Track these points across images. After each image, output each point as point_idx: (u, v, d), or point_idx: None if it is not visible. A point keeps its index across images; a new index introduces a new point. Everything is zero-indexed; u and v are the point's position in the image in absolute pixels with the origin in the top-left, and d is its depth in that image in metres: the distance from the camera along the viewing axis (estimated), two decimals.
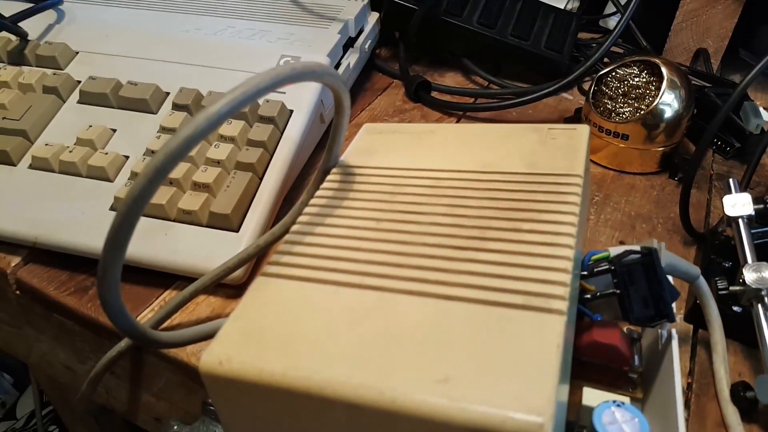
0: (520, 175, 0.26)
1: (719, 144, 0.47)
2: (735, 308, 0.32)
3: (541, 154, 0.27)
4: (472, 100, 0.53)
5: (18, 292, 0.36)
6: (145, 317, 0.32)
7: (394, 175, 0.28)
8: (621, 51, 0.58)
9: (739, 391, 0.29)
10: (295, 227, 0.25)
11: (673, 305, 0.28)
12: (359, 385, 0.18)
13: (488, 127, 0.30)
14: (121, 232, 0.19)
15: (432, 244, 0.23)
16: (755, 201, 0.33)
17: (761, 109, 0.47)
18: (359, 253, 0.23)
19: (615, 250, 0.28)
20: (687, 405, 0.30)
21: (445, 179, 0.27)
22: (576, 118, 0.48)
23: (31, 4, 0.49)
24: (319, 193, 0.27)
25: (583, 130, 0.28)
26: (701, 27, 0.55)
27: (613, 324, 0.27)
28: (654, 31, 0.58)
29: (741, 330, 0.32)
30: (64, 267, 0.36)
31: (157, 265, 0.34)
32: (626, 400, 0.24)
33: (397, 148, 0.30)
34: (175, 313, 0.32)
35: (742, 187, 0.39)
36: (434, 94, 0.54)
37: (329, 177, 0.29)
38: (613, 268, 0.26)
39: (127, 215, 0.19)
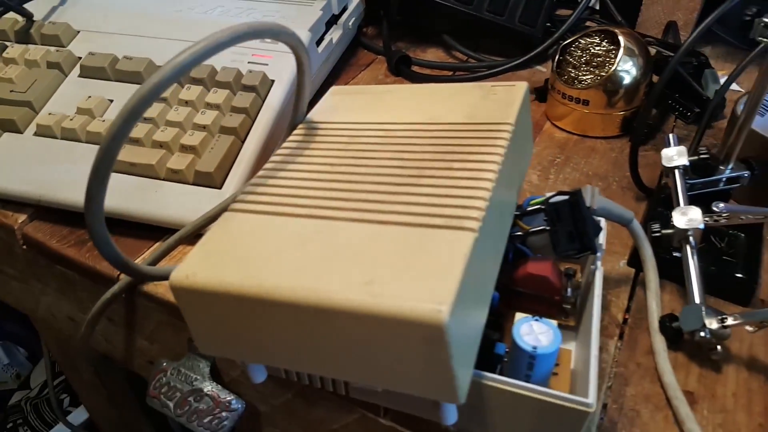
0: (459, 124, 0.29)
1: (681, 110, 0.50)
2: (675, 254, 0.35)
3: (481, 107, 0.30)
4: (450, 73, 0.56)
5: (24, 246, 0.40)
6: None
7: (352, 129, 0.31)
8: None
9: (665, 322, 0.32)
10: (260, 172, 0.29)
11: (601, 241, 0.31)
12: (299, 288, 0.21)
13: (439, 86, 0.33)
14: (102, 165, 0.23)
15: (375, 182, 0.26)
16: (692, 153, 0.36)
17: (720, 76, 0.49)
18: (312, 191, 0.27)
19: (550, 195, 0.31)
20: (621, 336, 0.34)
21: (395, 130, 0.30)
22: (545, 87, 0.51)
23: None
24: (284, 144, 0.31)
25: (521, 86, 0.31)
26: (671, 1, 0.57)
27: (547, 259, 0.31)
28: (628, 6, 0.60)
29: (676, 271, 0.35)
30: (65, 223, 0.39)
31: (148, 218, 0.38)
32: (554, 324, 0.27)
33: (357, 106, 0.33)
34: (161, 260, 0.36)
35: (693, 147, 0.42)
36: (415, 68, 0.57)
37: (295, 132, 0.32)
38: (543, 207, 0.29)
39: (107, 149, 0.23)
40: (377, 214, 0.24)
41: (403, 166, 0.27)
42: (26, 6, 0.50)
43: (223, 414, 0.35)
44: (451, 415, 0.25)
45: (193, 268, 0.23)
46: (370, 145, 0.29)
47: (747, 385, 0.31)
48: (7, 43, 0.49)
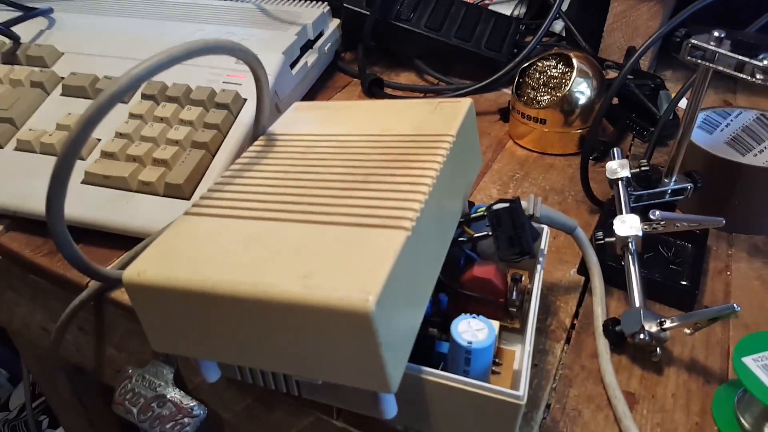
0: (406, 136, 0.31)
1: (638, 129, 0.52)
2: (622, 263, 0.37)
3: (427, 120, 0.32)
4: (421, 95, 0.59)
5: (0, 256, 0.42)
6: None
7: (308, 140, 0.33)
8: None
9: (608, 325, 0.34)
10: (218, 179, 0.31)
11: (542, 245, 0.33)
12: (241, 282, 0.23)
13: (392, 102, 0.35)
14: (61, 169, 0.25)
15: (324, 187, 0.28)
16: (633, 167, 0.38)
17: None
18: (264, 195, 0.28)
19: (492, 203, 0.33)
20: (568, 341, 0.35)
21: (347, 141, 0.32)
22: (508, 108, 0.53)
23: (23, 12, 0.55)
24: (243, 155, 0.33)
25: (465, 102, 0.33)
26: (630, 27, 0.60)
27: (492, 263, 0.32)
28: (591, 33, 0.63)
29: (623, 279, 0.36)
30: (40, 234, 0.41)
31: (118, 228, 0.39)
32: (496, 325, 0.29)
33: (316, 120, 0.35)
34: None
35: (646, 160, 0.44)
36: (387, 90, 0.59)
37: (255, 143, 0.34)
38: (485, 214, 0.31)
39: (66, 155, 0.24)
40: (322, 216, 0.26)
41: (351, 173, 0.29)
42: (14, 29, 0.52)
43: (185, 420, 0.36)
44: (390, 408, 0.26)
45: (145, 265, 0.25)
46: (324, 154, 0.31)
47: (686, 386, 0.33)
48: None
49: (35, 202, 0.41)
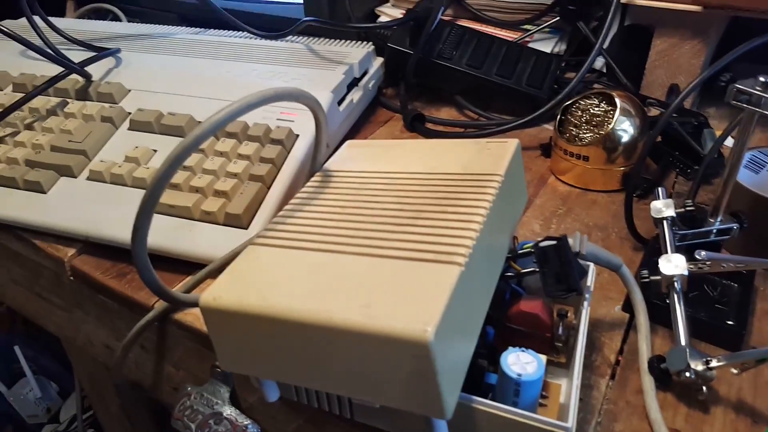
0: (455, 174, 0.33)
1: (681, 167, 0.53)
2: (667, 301, 0.38)
3: (475, 160, 0.34)
4: (462, 130, 0.61)
5: (72, 277, 0.45)
6: None
7: (362, 177, 0.35)
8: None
9: (654, 362, 0.35)
10: (280, 212, 0.33)
11: (588, 282, 0.34)
12: (305, 309, 0.25)
13: (440, 141, 0.37)
14: (149, 201, 0.27)
15: (378, 221, 0.30)
16: (678, 206, 0.39)
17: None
18: (324, 228, 0.30)
19: (540, 240, 0.34)
20: (613, 376, 0.36)
21: (399, 178, 0.34)
22: (549, 144, 0.55)
23: (95, 53, 0.60)
24: (302, 190, 0.35)
25: (512, 142, 0.35)
26: (672, 65, 0.61)
27: (539, 298, 0.34)
28: (633, 70, 0.64)
29: (668, 317, 0.37)
30: (109, 257, 0.44)
31: (182, 254, 0.42)
32: (543, 359, 0.30)
33: (368, 157, 0.37)
34: (191, 291, 0.40)
35: (691, 200, 0.45)
36: (428, 125, 0.61)
37: (312, 179, 0.36)
38: (532, 251, 0.33)
39: (154, 188, 0.27)
40: (378, 249, 0.28)
41: (402, 209, 0.31)
42: (87, 68, 0.57)
43: None
44: None
45: (220, 291, 0.27)
46: (377, 191, 0.33)
47: (733, 426, 0.33)
48: (68, 100, 0.55)
49: (106, 228, 0.44)
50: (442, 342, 0.23)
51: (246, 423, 0.38)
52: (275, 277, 0.28)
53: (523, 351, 0.29)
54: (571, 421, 0.27)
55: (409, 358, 0.23)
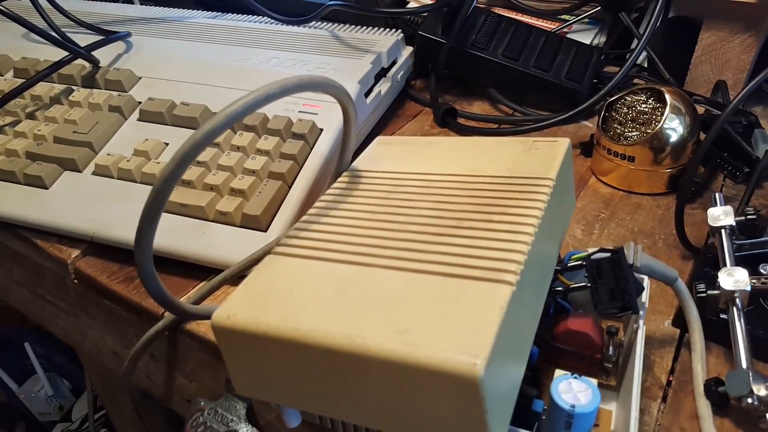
0: (500, 177, 0.29)
1: (729, 169, 0.49)
2: (722, 316, 0.34)
3: (522, 161, 0.30)
4: (495, 126, 0.57)
5: (76, 280, 0.42)
6: None
7: (394, 178, 0.32)
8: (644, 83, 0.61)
9: (711, 386, 0.31)
10: (304, 217, 0.30)
11: (644, 300, 0.30)
12: (336, 334, 0.22)
13: (481, 139, 0.34)
14: (153, 205, 0.24)
15: (414, 231, 0.27)
16: (739, 213, 0.35)
17: None
18: (353, 237, 0.27)
19: (592, 251, 0.30)
20: (664, 399, 0.32)
21: (436, 181, 0.30)
22: (590, 142, 0.51)
23: (103, 36, 0.57)
24: (328, 191, 0.32)
25: (563, 141, 0.31)
26: (720, 60, 0.57)
27: (589, 315, 0.30)
28: (677, 65, 0.60)
29: (723, 334, 0.34)
30: (116, 260, 0.41)
31: (195, 258, 0.39)
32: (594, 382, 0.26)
33: (401, 156, 0.34)
34: (205, 299, 0.37)
35: (740, 207, 0.41)
36: (460, 120, 0.58)
37: (339, 179, 0.33)
38: (584, 263, 0.29)
39: (159, 190, 0.24)
40: (415, 263, 0.25)
41: (442, 216, 0.27)
42: (94, 53, 0.53)
43: None
44: None
45: (235, 308, 0.24)
46: (412, 194, 0.30)
47: None
48: (74, 87, 0.52)
49: (112, 228, 0.41)
50: (492, 375, 0.20)
51: None
52: (298, 293, 0.24)
53: (575, 378, 0.26)
54: None
55: (455, 394, 0.20)
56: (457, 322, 0.21)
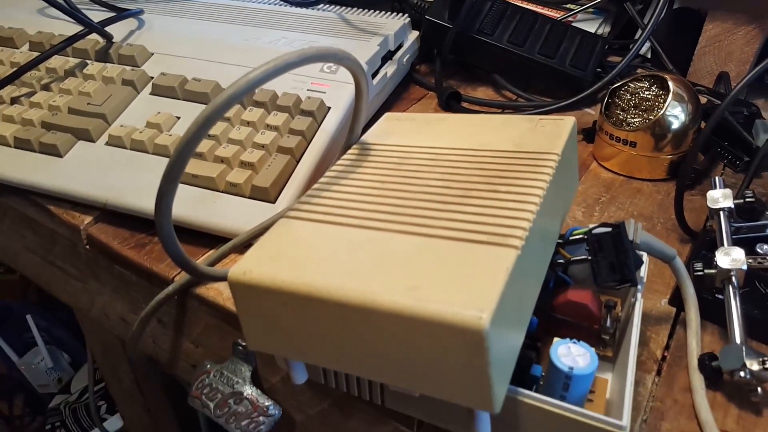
0: (507, 152, 0.30)
1: (729, 158, 0.50)
2: (718, 296, 0.35)
3: (529, 137, 0.31)
4: (499, 111, 0.58)
5: (87, 246, 0.43)
6: None
7: (403, 151, 0.33)
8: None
9: (705, 360, 0.32)
10: (315, 185, 0.31)
11: (642, 274, 0.32)
12: (348, 289, 0.23)
13: (489, 117, 0.35)
14: (175, 165, 0.25)
15: (423, 199, 0.28)
16: (737, 197, 0.36)
17: None
18: (363, 204, 0.28)
19: (593, 226, 0.32)
20: (659, 372, 0.34)
21: (444, 154, 0.31)
22: (593, 129, 0.52)
23: (116, 12, 0.57)
24: (338, 162, 0.33)
25: (568, 120, 0.32)
26: (723, 51, 0.58)
27: (588, 288, 0.31)
28: (680, 55, 0.61)
29: (719, 313, 0.35)
30: (127, 227, 0.42)
31: (205, 226, 0.40)
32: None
33: (409, 131, 0.35)
34: (214, 266, 0.38)
35: (740, 193, 0.42)
36: (464, 104, 0.59)
37: (349, 151, 0.34)
38: (586, 237, 0.30)
39: (182, 150, 0.25)
40: (425, 228, 0.26)
41: (450, 186, 0.28)
42: (107, 29, 0.54)
43: (261, 418, 0.36)
44: (485, 427, 0.25)
45: (250, 265, 0.25)
46: (420, 165, 0.31)
47: None
48: (88, 61, 0.53)
49: (125, 196, 0.42)
50: (496, 330, 0.21)
51: (267, 404, 0.37)
52: (311, 252, 0.25)
53: (574, 343, 0.27)
54: (626, 420, 0.25)
55: (460, 347, 0.21)
56: (465, 281, 0.22)
